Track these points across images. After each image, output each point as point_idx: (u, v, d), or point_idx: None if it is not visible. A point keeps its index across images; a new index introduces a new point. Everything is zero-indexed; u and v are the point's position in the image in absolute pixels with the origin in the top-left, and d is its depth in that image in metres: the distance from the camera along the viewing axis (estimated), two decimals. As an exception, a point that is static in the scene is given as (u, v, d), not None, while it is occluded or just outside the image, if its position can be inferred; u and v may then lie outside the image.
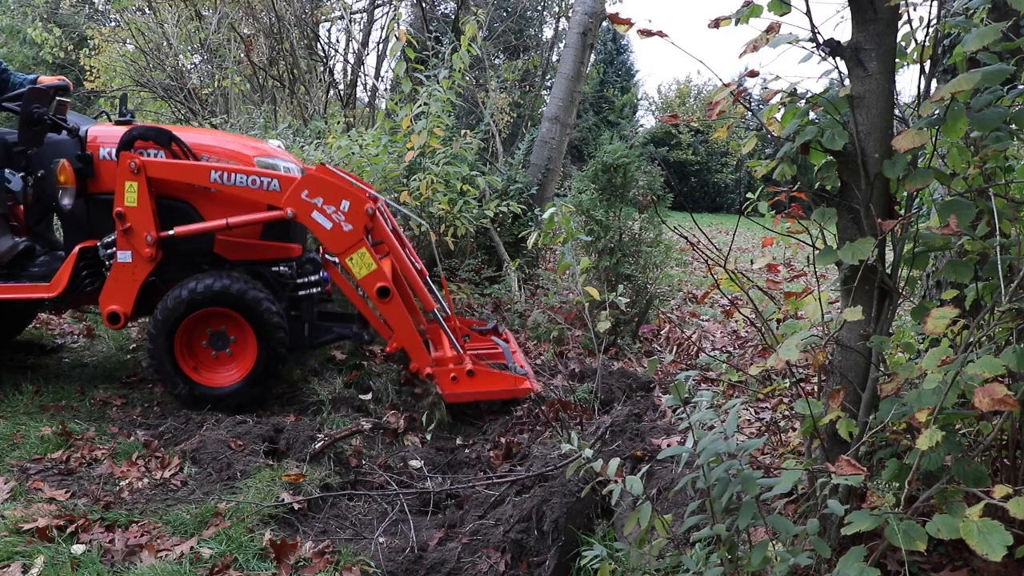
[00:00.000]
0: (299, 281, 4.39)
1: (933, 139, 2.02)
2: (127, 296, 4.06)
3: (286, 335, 4.09)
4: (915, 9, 2.27)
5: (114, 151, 4.09)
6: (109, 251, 4.10)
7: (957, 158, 2.23)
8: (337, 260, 4.21)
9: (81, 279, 4.13)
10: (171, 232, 4.05)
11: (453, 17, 9.67)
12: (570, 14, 9.24)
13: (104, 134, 4.22)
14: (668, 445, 3.24)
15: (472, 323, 5.18)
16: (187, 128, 5.34)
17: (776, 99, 2.31)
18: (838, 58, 2.16)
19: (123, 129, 4.17)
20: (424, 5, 11.01)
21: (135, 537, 2.79)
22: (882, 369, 2.19)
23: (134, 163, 3.96)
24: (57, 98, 4.16)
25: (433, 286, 4.68)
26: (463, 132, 6.82)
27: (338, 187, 4.08)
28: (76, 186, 4.12)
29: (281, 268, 4.34)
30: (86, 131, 4.23)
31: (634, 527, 2.19)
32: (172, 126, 4.61)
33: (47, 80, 4.36)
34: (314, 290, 4.42)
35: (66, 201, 4.08)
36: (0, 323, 4.79)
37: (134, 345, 5.25)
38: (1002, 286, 1.90)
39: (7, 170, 4.19)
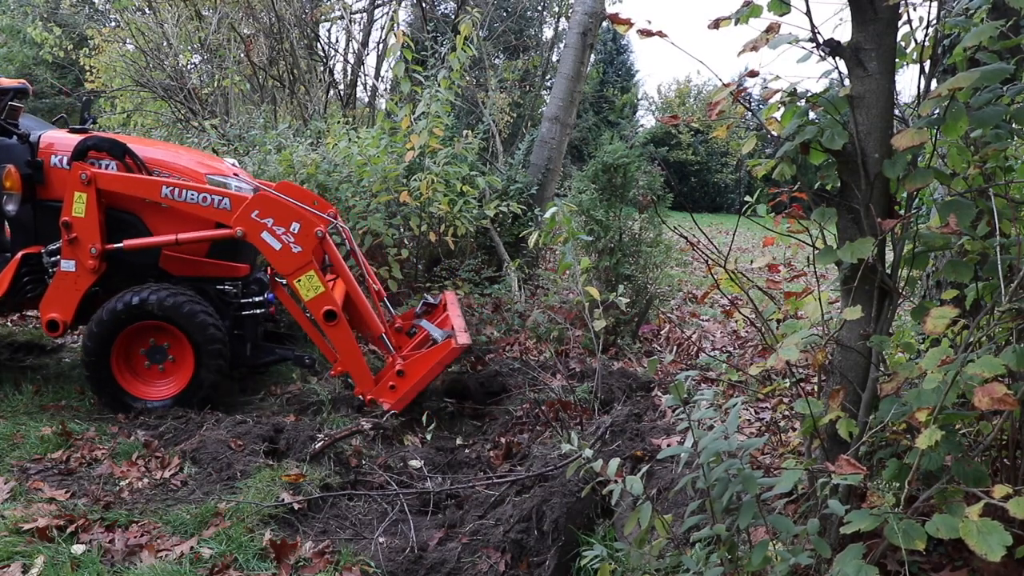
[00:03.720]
0: (244, 301, 4.38)
1: (933, 138, 2.02)
2: (68, 305, 4.06)
3: (224, 348, 4.07)
4: (915, 9, 2.27)
5: (66, 159, 4.08)
6: (53, 259, 4.09)
7: (957, 158, 2.23)
8: (285, 282, 4.20)
9: (23, 284, 4.11)
10: (119, 245, 4.04)
11: (453, 17, 9.68)
12: (570, 14, 9.24)
13: (57, 141, 4.21)
14: (668, 445, 3.24)
15: (411, 314, 5.11)
16: (142, 140, 5.32)
17: (776, 99, 2.31)
18: (838, 58, 2.16)
19: (77, 138, 4.15)
20: (424, 5, 11.01)
21: (135, 537, 2.79)
22: (882, 369, 2.19)
23: (85, 174, 3.96)
24: (10, 103, 4.14)
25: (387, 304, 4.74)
26: (464, 133, 6.82)
27: (289, 208, 4.07)
28: (22, 192, 4.10)
29: (226, 287, 4.33)
30: (39, 137, 4.21)
31: (634, 527, 2.19)
32: (128, 138, 4.61)
33: (5, 83, 4.33)
34: (258, 310, 4.40)
35: (10, 207, 4.08)
36: None
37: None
38: (1002, 286, 1.90)
39: None
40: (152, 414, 3.98)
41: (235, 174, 4.60)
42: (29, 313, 5.44)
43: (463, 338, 4.22)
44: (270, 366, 4.74)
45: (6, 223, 4.20)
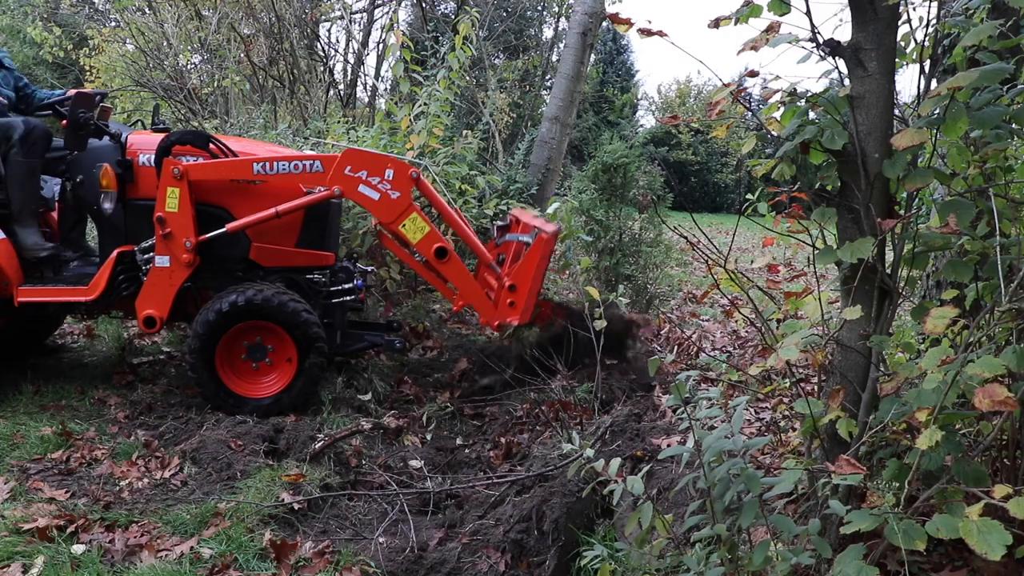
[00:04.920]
0: (332, 289, 4.41)
1: (933, 138, 2.02)
2: (163, 301, 4.09)
3: (324, 344, 4.09)
4: (915, 9, 2.27)
5: (152, 157, 4.13)
6: (147, 256, 4.12)
7: (957, 158, 2.23)
8: (390, 231, 4.25)
9: (118, 283, 4.15)
10: (222, 230, 4.07)
11: (453, 17, 9.67)
12: (570, 14, 9.24)
13: (143, 141, 4.27)
14: (668, 445, 3.24)
15: (492, 245, 5.01)
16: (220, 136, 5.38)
17: (776, 99, 2.31)
18: (838, 58, 2.16)
19: (160, 136, 4.20)
20: (424, 5, 11.01)
21: (135, 537, 2.79)
22: (882, 369, 2.19)
23: (177, 169, 4.00)
24: (100, 104, 4.21)
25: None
26: (464, 133, 6.81)
27: (378, 157, 4.13)
28: (117, 191, 4.14)
29: (315, 276, 4.36)
30: (126, 137, 4.27)
31: (635, 527, 2.19)
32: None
33: (87, 90, 4.43)
34: (347, 298, 4.44)
35: (107, 205, 4.11)
36: (30, 327, 4.80)
37: (144, 357, 5.25)
38: (1002, 286, 1.90)
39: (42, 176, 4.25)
40: (259, 412, 3.98)
41: None
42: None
43: (550, 227, 4.27)
44: (360, 353, 4.74)
45: (94, 227, 4.23)
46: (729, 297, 2.65)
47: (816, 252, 2.24)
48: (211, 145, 4.21)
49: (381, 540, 3.00)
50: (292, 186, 4.21)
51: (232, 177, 4.16)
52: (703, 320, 6.70)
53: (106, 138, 4.19)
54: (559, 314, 4.60)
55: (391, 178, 4.07)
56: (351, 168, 4.08)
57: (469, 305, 4.33)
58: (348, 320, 4.65)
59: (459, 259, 4.19)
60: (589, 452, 2.30)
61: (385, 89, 10.46)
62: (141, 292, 4.12)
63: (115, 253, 4.12)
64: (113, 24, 11.47)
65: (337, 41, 11.83)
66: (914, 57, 2.31)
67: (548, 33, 15.46)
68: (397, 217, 4.10)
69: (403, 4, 12.66)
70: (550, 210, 4.79)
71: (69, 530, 2.79)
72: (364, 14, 10.72)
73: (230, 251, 4.22)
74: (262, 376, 4.15)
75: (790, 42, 2.10)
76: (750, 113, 2.38)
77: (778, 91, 2.28)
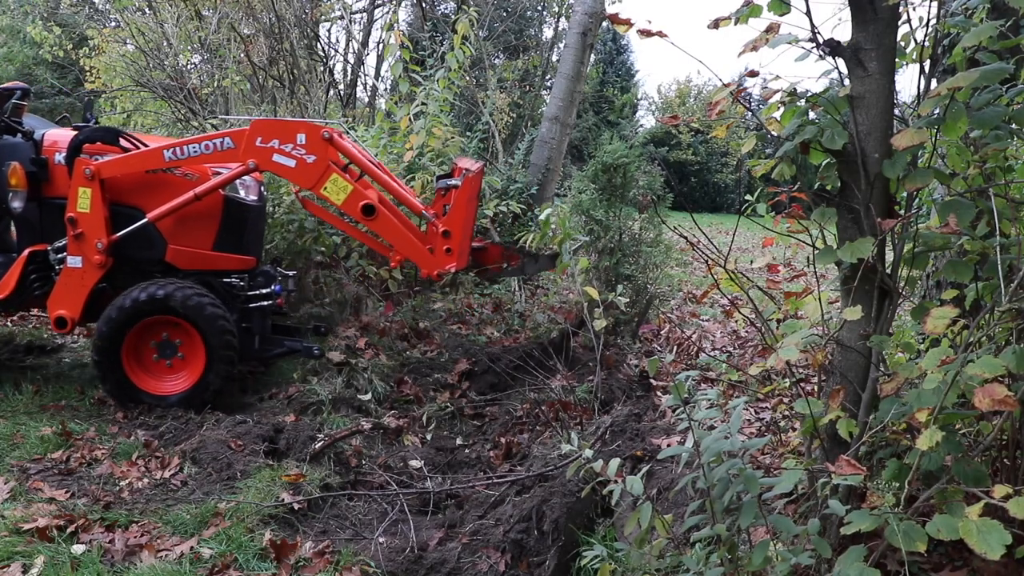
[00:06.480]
0: (251, 293, 4.37)
1: (933, 138, 2.02)
2: (76, 301, 4.05)
3: (235, 346, 4.05)
4: (915, 9, 2.27)
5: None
6: (60, 256, 4.08)
7: (957, 158, 2.23)
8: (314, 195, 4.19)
9: (30, 282, 4.10)
10: (145, 220, 4.03)
11: (453, 17, 9.68)
12: (570, 14, 9.24)
13: (61, 139, 4.19)
14: (668, 445, 3.24)
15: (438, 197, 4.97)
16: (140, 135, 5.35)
17: (776, 99, 2.31)
18: (838, 58, 2.16)
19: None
20: (424, 5, 11.01)
21: (135, 537, 2.79)
22: (882, 369, 2.19)
23: (88, 169, 3.95)
24: (13, 101, 4.14)
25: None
26: (451, 135, 6.78)
27: (289, 124, 4.08)
28: (28, 190, 4.10)
29: (233, 279, 4.33)
30: (42, 135, 4.20)
31: (634, 527, 2.19)
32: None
33: (8, 84, 4.33)
34: (265, 303, 4.39)
35: (16, 204, 4.07)
36: None
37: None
38: (1002, 286, 1.90)
39: None
40: (162, 409, 3.97)
41: None
42: (30, 313, 5.44)
43: (475, 166, 4.23)
44: (279, 359, 4.72)
45: (12, 222, 4.20)
46: (729, 297, 2.65)
47: (816, 252, 2.24)
48: (122, 140, 4.15)
49: (381, 540, 3.00)
50: (206, 177, 4.15)
51: (144, 168, 4.09)
52: (703, 320, 6.70)
53: (19, 136, 4.12)
54: (510, 257, 4.57)
55: (304, 142, 3.99)
56: (262, 139, 4.00)
57: (407, 259, 4.25)
58: (273, 325, 4.62)
59: (389, 215, 4.09)
60: (589, 452, 2.30)
61: (385, 89, 10.47)
62: (53, 292, 4.08)
63: (26, 252, 4.08)
64: (113, 24, 11.47)
65: (337, 41, 11.84)
66: (914, 57, 2.31)
67: (548, 33, 15.47)
68: (317, 180, 4.00)
69: (403, 4, 12.66)
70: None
71: (69, 530, 2.79)
72: (364, 14, 10.73)
73: (145, 252, 4.18)
74: (173, 373, 4.12)
75: (790, 42, 2.10)
76: (750, 113, 2.38)
77: (778, 91, 2.28)
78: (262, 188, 4.62)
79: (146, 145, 4.21)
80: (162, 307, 3.95)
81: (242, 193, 4.42)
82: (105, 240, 4.01)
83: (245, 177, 4.40)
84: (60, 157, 4.14)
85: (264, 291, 4.40)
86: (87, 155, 4.07)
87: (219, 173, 4.26)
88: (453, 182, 4.21)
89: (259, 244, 4.56)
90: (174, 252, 4.22)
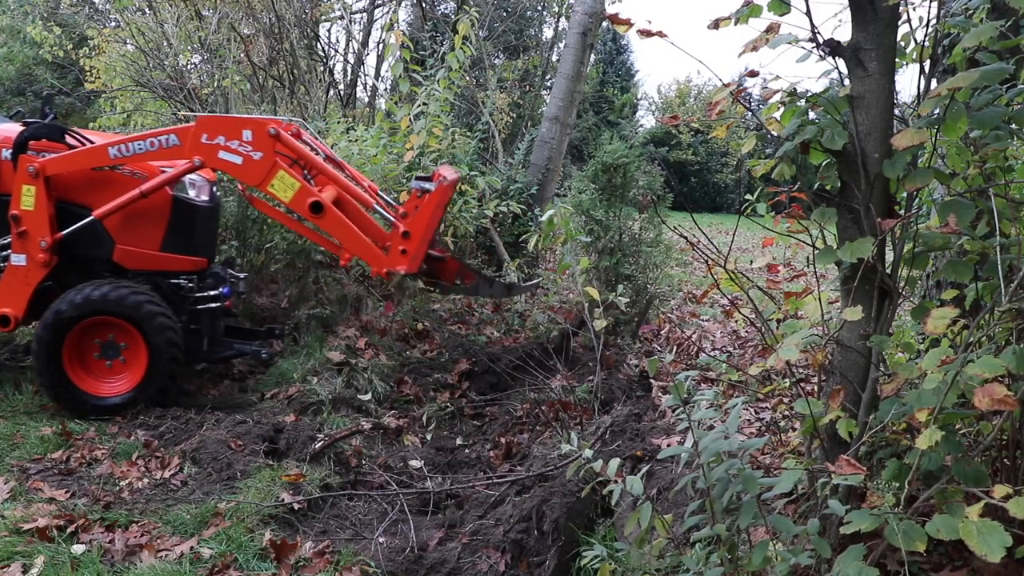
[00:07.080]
0: (199, 295, 4.33)
1: (933, 138, 2.02)
2: (19, 300, 4.03)
3: (179, 348, 4.02)
4: (915, 9, 2.27)
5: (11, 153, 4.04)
6: (4, 253, 4.05)
7: (957, 158, 2.23)
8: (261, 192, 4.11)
9: None
10: (93, 216, 3.99)
11: (453, 17, 9.68)
12: (570, 14, 9.24)
13: (8, 134, 4.14)
14: (668, 445, 3.24)
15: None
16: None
17: (776, 99, 2.31)
18: (838, 58, 2.16)
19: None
20: (424, 5, 11.01)
21: (135, 537, 2.79)
22: (882, 369, 2.19)
23: (33, 167, 3.92)
24: None
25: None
26: (450, 132, 6.77)
27: (235, 120, 4.03)
28: None
29: (181, 280, 4.29)
30: None
31: (634, 527, 2.19)
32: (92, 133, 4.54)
33: None
34: (214, 304, 4.36)
35: None
36: None
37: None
38: (1002, 286, 1.90)
39: None
40: (102, 412, 3.94)
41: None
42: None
43: (452, 175, 4.15)
44: (228, 361, 4.70)
45: None
46: (729, 297, 2.65)
47: (816, 252, 2.24)
48: (68, 137, 4.11)
49: (381, 540, 3.00)
50: (154, 176, 4.11)
51: (89, 165, 4.06)
52: (703, 320, 6.70)
53: None
54: (466, 275, 4.50)
55: (250, 139, 3.93)
56: (207, 135, 3.94)
57: (356, 256, 4.18)
58: (227, 327, 4.59)
59: (336, 212, 4.02)
60: (589, 452, 2.30)
61: (385, 89, 10.47)
62: None
63: None
64: (113, 24, 11.47)
65: (337, 41, 11.84)
66: (914, 57, 2.31)
67: (548, 33, 15.47)
68: (264, 178, 3.94)
69: (403, 4, 12.66)
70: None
71: (69, 530, 2.79)
72: (364, 14, 10.73)
73: (92, 251, 4.15)
74: (115, 374, 4.09)
75: (790, 42, 2.10)
76: (750, 113, 2.38)
77: (778, 91, 2.28)
78: (214, 188, 4.58)
79: (92, 142, 4.16)
80: (99, 309, 3.92)
81: (192, 193, 4.38)
82: (49, 238, 3.97)
83: (195, 177, 4.37)
84: (7, 153, 4.09)
85: (213, 292, 4.36)
86: (33, 152, 4.03)
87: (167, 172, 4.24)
88: (428, 186, 4.15)
89: (211, 245, 4.51)
90: (122, 252, 4.19)
